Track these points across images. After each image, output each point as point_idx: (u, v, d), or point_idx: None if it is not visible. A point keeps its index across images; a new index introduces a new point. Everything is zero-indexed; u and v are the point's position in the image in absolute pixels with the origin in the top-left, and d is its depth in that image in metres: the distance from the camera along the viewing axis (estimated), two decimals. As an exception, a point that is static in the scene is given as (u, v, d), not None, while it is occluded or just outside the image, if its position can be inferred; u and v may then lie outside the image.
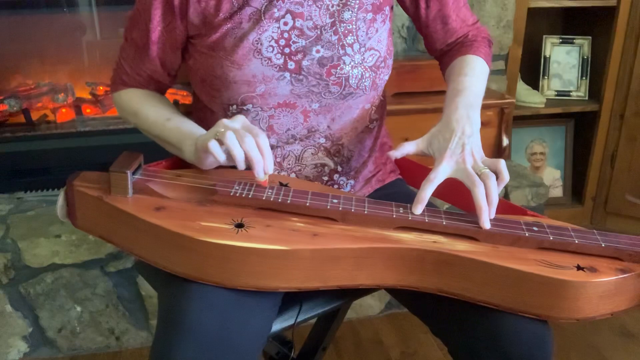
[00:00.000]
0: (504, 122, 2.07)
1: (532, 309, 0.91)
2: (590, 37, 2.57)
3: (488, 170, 0.97)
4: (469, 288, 0.92)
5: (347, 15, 1.08)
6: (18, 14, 2.12)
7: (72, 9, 2.16)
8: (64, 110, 2.21)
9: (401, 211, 0.97)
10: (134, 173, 0.99)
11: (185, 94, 2.21)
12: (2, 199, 2.03)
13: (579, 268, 0.89)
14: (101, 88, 2.27)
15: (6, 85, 2.19)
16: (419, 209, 0.96)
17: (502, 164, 0.99)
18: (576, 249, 0.93)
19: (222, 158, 0.95)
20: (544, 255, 0.92)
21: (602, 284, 0.88)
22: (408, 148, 1.04)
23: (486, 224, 0.94)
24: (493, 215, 0.96)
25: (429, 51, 1.29)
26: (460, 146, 1.00)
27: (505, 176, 0.98)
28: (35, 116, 2.16)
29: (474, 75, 1.13)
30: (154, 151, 1.18)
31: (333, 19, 1.08)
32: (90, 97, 2.26)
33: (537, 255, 0.92)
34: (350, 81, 1.09)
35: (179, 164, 1.17)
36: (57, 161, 2.12)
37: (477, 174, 0.97)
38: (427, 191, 0.97)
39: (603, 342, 1.93)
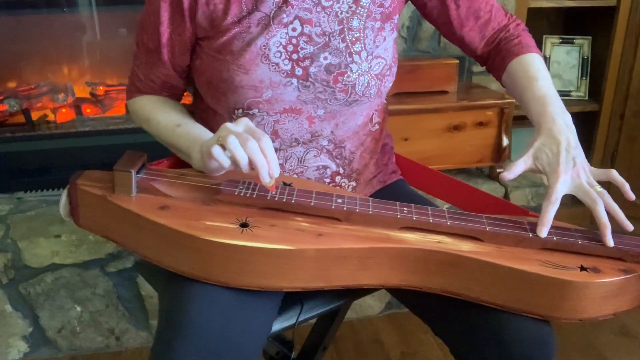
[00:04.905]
0: (504, 122, 2.07)
1: (536, 309, 0.91)
2: (590, 37, 2.57)
3: (601, 187, 0.97)
4: (473, 288, 0.92)
5: (355, 23, 1.08)
6: (18, 14, 2.12)
7: (72, 9, 2.16)
8: (64, 110, 2.20)
9: (405, 211, 0.97)
10: (137, 172, 0.99)
11: (185, 94, 2.21)
12: (2, 199, 2.02)
13: (582, 269, 0.90)
14: (101, 88, 2.26)
15: (6, 85, 2.19)
16: (544, 231, 0.94)
17: (614, 173, 0.99)
18: (579, 250, 0.94)
19: (226, 163, 0.93)
20: (547, 256, 0.92)
21: (605, 284, 0.88)
22: (518, 168, 1.01)
23: (610, 242, 0.93)
24: (631, 228, 0.96)
25: (470, 54, 1.24)
26: (571, 160, 0.98)
27: (621, 182, 0.99)
28: (35, 116, 2.16)
29: (545, 78, 1.10)
30: (155, 151, 1.18)
31: (341, 27, 1.07)
32: (90, 97, 2.26)
33: (541, 256, 0.92)
34: (357, 88, 1.09)
35: (181, 162, 1.17)
36: (57, 161, 2.12)
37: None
38: (551, 213, 0.95)
39: (603, 342, 1.94)
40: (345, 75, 1.07)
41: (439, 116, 2.04)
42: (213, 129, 1.04)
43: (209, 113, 1.16)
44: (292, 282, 0.90)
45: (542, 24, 2.63)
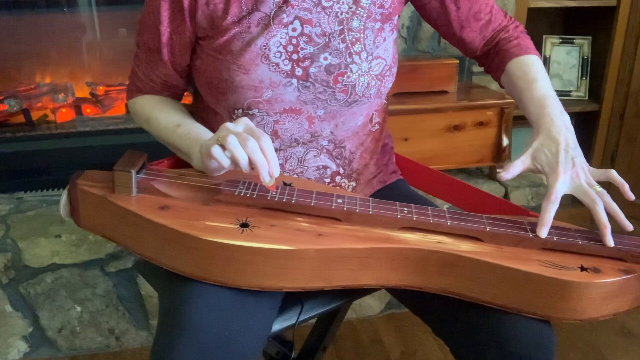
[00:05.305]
0: (504, 122, 2.07)
1: (536, 310, 0.91)
2: (590, 37, 2.57)
3: (600, 187, 0.98)
4: (473, 288, 0.92)
5: (355, 23, 1.08)
6: (18, 14, 2.12)
7: (72, 9, 2.16)
8: (64, 110, 2.21)
9: (405, 211, 0.97)
10: (138, 172, 0.99)
11: (186, 94, 2.21)
12: (2, 199, 2.02)
13: (582, 269, 0.90)
14: (101, 88, 2.27)
15: (6, 85, 2.19)
16: (544, 231, 0.94)
17: (613, 173, 0.99)
18: (579, 250, 0.94)
19: (225, 163, 0.93)
20: (547, 256, 0.92)
21: (605, 284, 0.88)
22: (516, 168, 1.01)
23: (610, 242, 0.93)
24: (631, 228, 0.96)
25: (469, 55, 1.24)
26: (570, 160, 0.98)
27: (621, 182, 0.99)
28: (35, 116, 2.16)
29: (544, 79, 1.11)
30: (155, 151, 1.18)
31: (341, 27, 1.07)
32: (90, 97, 2.26)
33: (541, 256, 0.92)
34: (357, 89, 1.09)
35: (181, 162, 1.17)
36: (57, 161, 2.12)
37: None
38: (550, 213, 0.95)
39: (603, 342, 1.94)
40: (345, 76, 1.07)
41: (439, 116, 2.04)
42: (213, 129, 1.04)
43: (209, 113, 1.16)
44: (292, 282, 0.90)
45: (542, 24, 2.62)
